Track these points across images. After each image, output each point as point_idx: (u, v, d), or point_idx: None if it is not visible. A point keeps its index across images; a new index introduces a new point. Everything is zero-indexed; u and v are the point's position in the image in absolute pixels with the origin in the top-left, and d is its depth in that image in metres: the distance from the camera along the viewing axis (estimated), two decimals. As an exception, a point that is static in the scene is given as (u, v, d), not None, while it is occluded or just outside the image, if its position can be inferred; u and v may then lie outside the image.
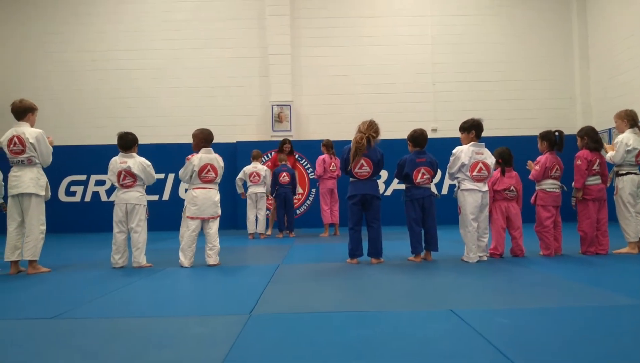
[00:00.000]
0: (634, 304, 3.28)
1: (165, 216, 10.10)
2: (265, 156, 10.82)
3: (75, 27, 12.14)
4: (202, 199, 5.43)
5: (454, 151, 5.40)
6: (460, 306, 3.23)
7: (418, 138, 5.56)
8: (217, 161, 5.53)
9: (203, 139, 5.58)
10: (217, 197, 5.53)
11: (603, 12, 11.34)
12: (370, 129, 5.27)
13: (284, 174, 8.76)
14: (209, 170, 5.46)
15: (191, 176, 5.47)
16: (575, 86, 12.05)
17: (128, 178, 5.47)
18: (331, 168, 8.87)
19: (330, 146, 8.98)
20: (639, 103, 8.66)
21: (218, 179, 5.56)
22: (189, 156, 5.51)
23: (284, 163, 8.94)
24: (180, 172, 5.58)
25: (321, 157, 8.90)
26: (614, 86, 10.93)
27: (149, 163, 5.60)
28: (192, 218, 5.44)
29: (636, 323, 2.86)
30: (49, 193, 5.44)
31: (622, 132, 5.86)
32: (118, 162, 5.52)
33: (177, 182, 11.02)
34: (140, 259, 5.46)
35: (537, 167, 5.70)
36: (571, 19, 12.10)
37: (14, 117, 5.30)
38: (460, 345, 2.49)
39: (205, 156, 5.49)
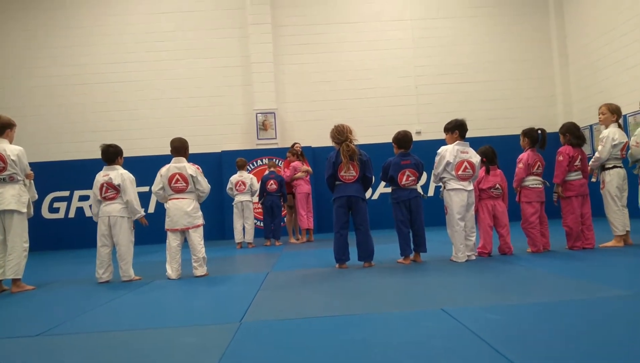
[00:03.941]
0: (623, 295, 3.30)
1: (151, 229, 9.98)
2: (250, 165, 10.78)
3: (58, 41, 12.00)
4: (173, 210, 5.37)
5: (439, 150, 5.44)
6: (451, 305, 3.23)
7: (402, 139, 5.58)
8: (187, 169, 5.41)
9: (172, 149, 5.54)
10: (191, 207, 5.40)
11: (580, 10, 11.53)
12: (345, 133, 5.30)
13: (272, 181, 8.72)
14: (177, 179, 5.38)
15: (163, 188, 5.43)
16: (556, 85, 12.21)
17: (110, 190, 5.40)
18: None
19: (301, 154, 9.06)
20: (619, 99, 8.75)
21: (192, 188, 5.43)
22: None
23: (272, 169, 8.92)
24: (153, 187, 5.52)
25: (293, 163, 8.91)
26: (594, 83, 11.09)
27: (132, 177, 5.51)
28: (168, 230, 5.40)
29: (626, 313, 2.88)
30: (32, 210, 5.35)
31: (608, 125, 5.91)
32: (101, 175, 5.46)
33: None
34: (130, 272, 5.38)
35: (520, 165, 5.74)
36: (549, 19, 12.28)
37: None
38: (453, 343, 2.48)
39: (173, 166, 5.43)
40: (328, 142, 5.44)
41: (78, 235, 10.93)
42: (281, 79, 12.04)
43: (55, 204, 11.36)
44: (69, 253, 9.89)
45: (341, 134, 5.32)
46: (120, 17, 12.14)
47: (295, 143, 9.31)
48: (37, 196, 5.56)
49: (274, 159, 9.62)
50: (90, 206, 5.74)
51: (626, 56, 9.95)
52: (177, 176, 5.39)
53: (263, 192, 8.75)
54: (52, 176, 10.89)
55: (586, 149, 6.06)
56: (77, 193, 11.30)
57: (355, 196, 5.33)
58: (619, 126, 5.95)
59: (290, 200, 9.03)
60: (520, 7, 12.32)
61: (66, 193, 11.37)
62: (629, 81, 9.83)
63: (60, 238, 11.14)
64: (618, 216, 5.73)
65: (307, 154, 9.85)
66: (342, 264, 5.37)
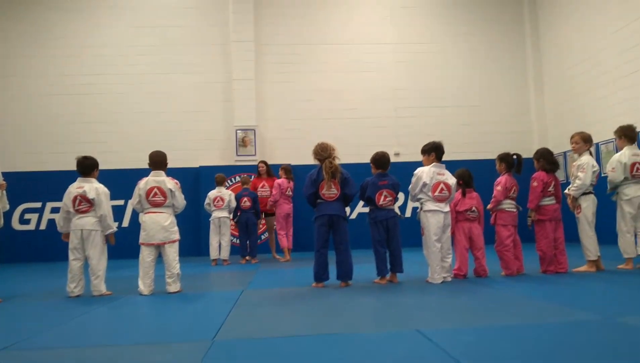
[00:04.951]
0: (595, 319, 3.35)
1: (125, 244, 9.81)
2: (229, 181, 10.72)
3: (36, 51, 11.85)
4: (149, 224, 5.28)
5: (415, 171, 5.49)
6: (426, 326, 3.23)
7: (380, 159, 5.63)
8: (166, 183, 5.35)
9: (151, 162, 5.48)
10: (168, 221, 5.33)
11: (556, 39, 11.88)
12: (328, 150, 5.34)
13: (245, 199, 8.69)
14: (156, 193, 5.31)
15: (140, 202, 5.35)
16: (531, 111, 12.52)
17: (84, 203, 5.28)
18: (287, 193, 8.86)
19: (289, 171, 9.03)
20: (593, 127, 8.97)
21: (170, 203, 5.37)
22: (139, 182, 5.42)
23: (245, 186, 8.88)
24: (131, 200, 5.45)
25: (278, 181, 8.89)
26: (568, 110, 11.38)
27: (107, 191, 5.40)
28: (143, 244, 5.31)
29: (597, 337, 2.92)
30: (1, 221, 5.22)
31: (581, 153, 6.05)
32: (75, 187, 5.35)
33: (138, 208, 10.77)
34: (101, 287, 5.25)
35: (498, 188, 5.83)
36: (525, 46, 12.64)
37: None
38: (427, 364, 2.47)
39: (152, 179, 5.37)
40: (308, 160, 5.45)
41: (49, 247, 10.67)
42: (262, 96, 12.07)
43: (27, 216, 11.09)
44: (39, 266, 9.63)
45: (324, 151, 5.34)
46: (102, 29, 12.06)
47: (260, 161, 9.38)
48: (8, 207, 5.43)
49: (251, 176, 9.59)
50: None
51: (601, 84, 10.25)
52: (156, 189, 5.32)
53: (237, 210, 8.69)
54: (24, 186, 10.66)
55: (559, 175, 6.17)
56: (50, 205, 11.07)
57: (337, 215, 5.33)
58: (591, 153, 6.11)
59: (270, 221, 9.05)
60: (498, 35, 12.66)
61: (38, 204, 11.12)
62: (605, 109, 10.10)
63: (31, 250, 10.86)
64: (593, 241, 5.83)
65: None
66: (319, 283, 5.34)
